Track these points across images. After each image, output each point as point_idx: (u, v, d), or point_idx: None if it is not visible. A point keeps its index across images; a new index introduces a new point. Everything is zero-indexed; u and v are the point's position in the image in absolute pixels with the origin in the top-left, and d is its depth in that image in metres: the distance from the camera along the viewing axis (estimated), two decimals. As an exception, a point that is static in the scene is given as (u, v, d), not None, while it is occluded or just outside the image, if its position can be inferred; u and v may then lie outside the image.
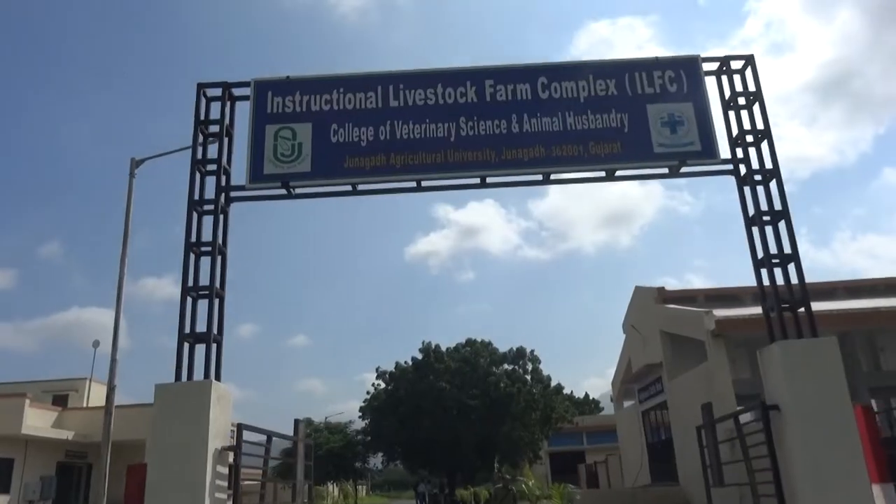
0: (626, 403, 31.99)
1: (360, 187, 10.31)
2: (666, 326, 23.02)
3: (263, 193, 10.21)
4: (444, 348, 44.57)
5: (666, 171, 10.56)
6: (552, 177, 10.56)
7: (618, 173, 10.43)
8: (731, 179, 10.43)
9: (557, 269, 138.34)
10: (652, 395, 25.16)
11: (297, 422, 9.08)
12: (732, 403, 18.22)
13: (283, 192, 10.09)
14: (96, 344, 33.24)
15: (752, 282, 10.21)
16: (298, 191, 10.21)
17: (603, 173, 10.40)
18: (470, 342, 44.88)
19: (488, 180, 10.38)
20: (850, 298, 22.06)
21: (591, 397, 76.54)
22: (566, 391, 47.79)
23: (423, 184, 10.19)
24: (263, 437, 8.86)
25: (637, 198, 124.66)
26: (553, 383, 44.25)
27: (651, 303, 24.16)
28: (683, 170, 10.47)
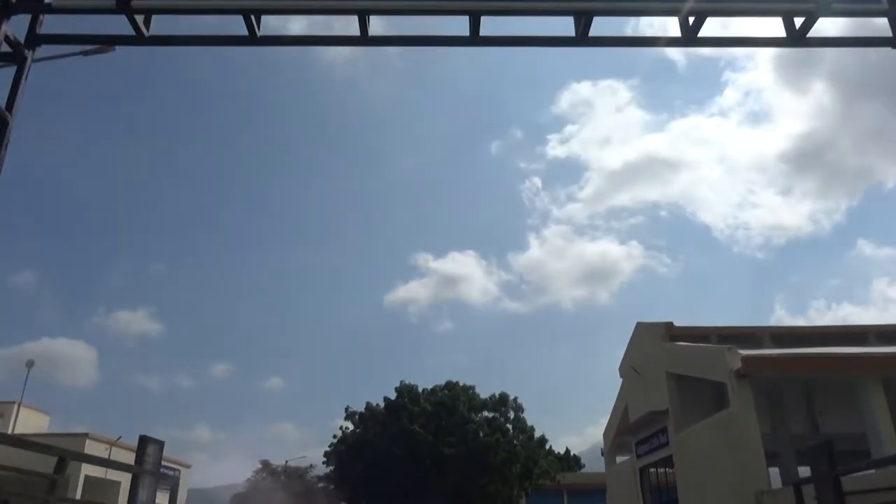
0: (620, 459, 28.67)
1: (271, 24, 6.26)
2: (674, 367, 20.00)
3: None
4: (421, 389, 41.04)
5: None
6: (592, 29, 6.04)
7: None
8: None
9: (536, 323, 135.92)
10: (653, 448, 21.95)
11: (143, 440, 5.75)
12: (761, 459, 15.15)
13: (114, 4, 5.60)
14: (30, 364, 29.55)
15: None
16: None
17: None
18: (449, 385, 41.34)
19: (482, 33, 6.03)
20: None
21: (571, 453, 72.39)
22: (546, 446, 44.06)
23: (372, 26, 5.96)
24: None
25: (617, 256, 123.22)
26: (536, 435, 40.63)
27: (656, 341, 21.20)
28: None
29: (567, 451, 71.24)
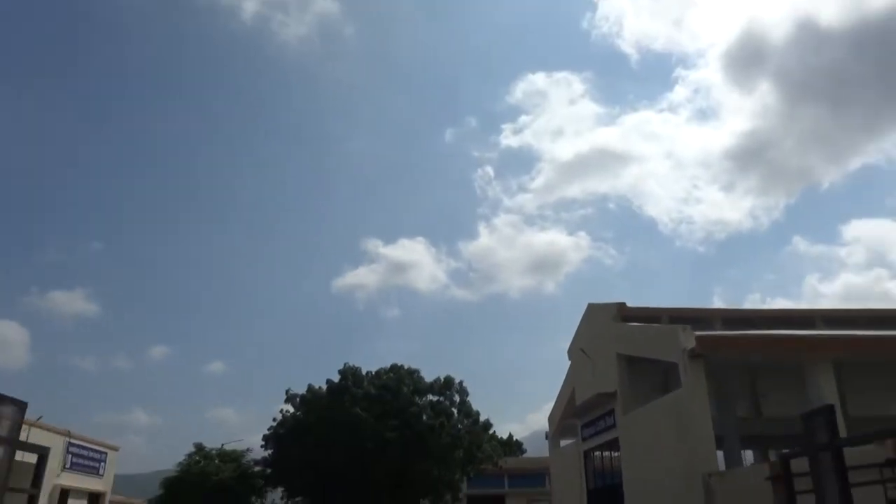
0: (565, 442, 28.36)
1: None
2: (625, 348, 19.59)
3: None
4: (365, 372, 40.06)
5: None
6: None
7: None
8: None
9: (483, 311, 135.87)
10: (599, 431, 21.58)
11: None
12: (710, 441, 14.79)
13: None
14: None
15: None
16: None
17: None
18: (394, 368, 40.48)
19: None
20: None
21: (514, 438, 72.57)
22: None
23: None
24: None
25: (565, 246, 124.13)
26: (481, 419, 40.19)
27: (608, 322, 20.77)
28: None
29: (510, 436, 71.42)
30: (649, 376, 20.21)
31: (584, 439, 23.29)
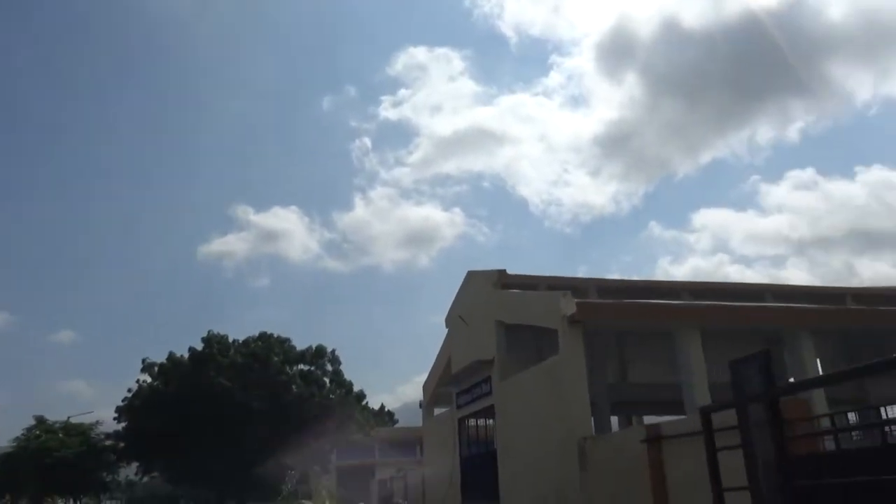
0: (439, 411, 28.18)
1: None
2: (505, 315, 19.42)
3: None
4: (232, 340, 38.05)
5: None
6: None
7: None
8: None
9: (356, 283, 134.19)
10: (475, 398, 21.41)
11: None
12: (586, 406, 14.84)
13: None
14: None
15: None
16: None
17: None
18: (263, 336, 38.77)
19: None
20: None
21: (386, 409, 72.62)
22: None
23: None
24: None
25: (439, 222, 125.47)
26: (355, 390, 39.44)
27: (488, 289, 20.51)
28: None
29: (382, 406, 71.31)
30: (524, 344, 20.25)
31: (458, 407, 23.09)
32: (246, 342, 38.15)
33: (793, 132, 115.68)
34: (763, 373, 4.17)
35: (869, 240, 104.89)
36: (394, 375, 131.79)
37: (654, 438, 11.59)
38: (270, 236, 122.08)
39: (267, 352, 37.14)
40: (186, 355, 36.78)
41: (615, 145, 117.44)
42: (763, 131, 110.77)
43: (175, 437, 33.42)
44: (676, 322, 15.75)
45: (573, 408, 14.83)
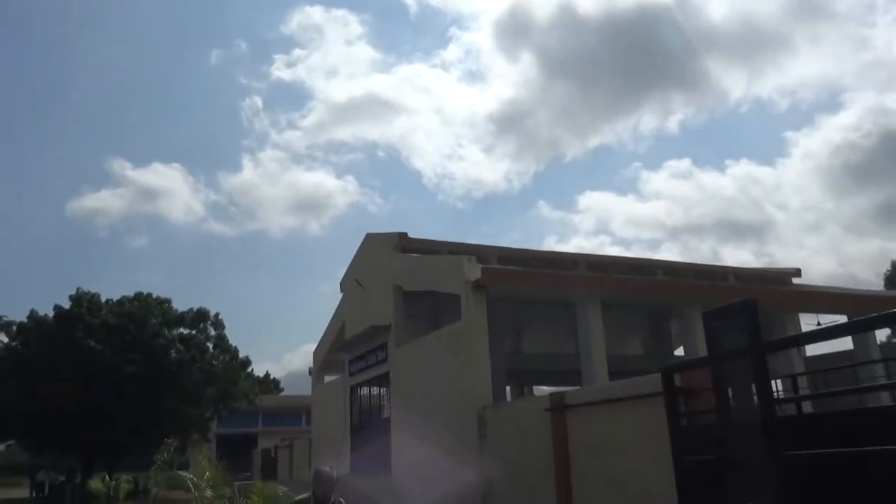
0: (329, 378, 27.25)
1: None
2: (405, 280, 18.70)
3: None
4: (105, 300, 35.13)
5: None
6: None
7: None
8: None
9: (243, 248, 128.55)
10: (369, 365, 20.67)
11: None
12: (487, 374, 14.42)
13: None
14: None
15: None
16: None
17: None
18: (140, 297, 36.05)
19: None
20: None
21: (271, 377, 70.63)
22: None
23: None
24: None
25: (332, 189, 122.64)
26: (240, 356, 37.58)
27: (387, 252, 19.68)
28: None
29: (267, 374, 69.26)
30: (420, 311, 19.71)
31: (351, 374, 22.27)
32: (120, 302, 35.34)
33: (673, 124, 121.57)
34: (749, 325, 3.63)
35: (734, 229, 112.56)
36: (280, 344, 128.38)
37: (559, 407, 11.30)
38: (150, 194, 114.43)
39: (144, 313, 34.55)
40: (51, 314, 33.62)
41: (509, 123, 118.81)
42: (646, 121, 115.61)
43: (35, 402, 30.53)
44: (580, 292, 15.61)
45: (474, 375, 14.40)
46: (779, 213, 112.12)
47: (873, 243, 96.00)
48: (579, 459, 10.80)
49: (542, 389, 25.88)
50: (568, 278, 15.54)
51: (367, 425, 21.10)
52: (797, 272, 25.41)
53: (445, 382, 15.52)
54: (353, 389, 22.27)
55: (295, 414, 53.35)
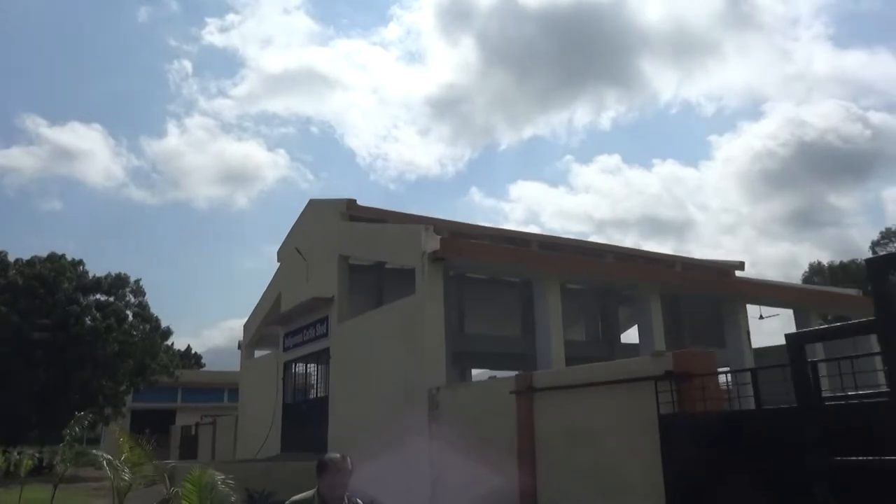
0: (261, 353, 25.73)
1: None
2: (352, 250, 17.49)
3: None
4: (14, 259, 32.27)
5: None
6: None
7: None
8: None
9: (165, 217, 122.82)
10: (307, 340, 19.39)
11: None
12: (441, 352, 13.47)
13: None
14: None
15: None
16: None
17: None
18: (52, 258, 33.28)
19: None
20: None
21: (193, 350, 67.76)
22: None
23: None
24: None
25: (261, 162, 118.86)
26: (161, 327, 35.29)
27: (333, 220, 18.40)
28: None
29: (188, 348, 66.42)
30: (362, 285, 18.63)
31: (286, 349, 20.91)
32: (30, 262, 32.52)
33: (605, 120, 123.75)
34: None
35: (656, 226, 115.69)
36: (201, 319, 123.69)
37: (525, 390, 10.45)
38: (66, 155, 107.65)
39: (56, 276, 31.95)
40: (-50, 273, 30.61)
41: (446, 107, 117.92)
42: (580, 115, 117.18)
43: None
44: (541, 270, 14.82)
45: (427, 354, 13.41)
46: (699, 213, 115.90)
47: (782, 247, 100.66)
48: (546, 446, 10.00)
49: (483, 373, 25.19)
50: (531, 255, 14.73)
51: (301, 404, 19.84)
52: (741, 265, 25.58)
53: (394, 360, 14.47)
54: (287, 365, 20.92)
55: (217, 390, 51.33)
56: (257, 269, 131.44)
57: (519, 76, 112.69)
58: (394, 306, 15.19)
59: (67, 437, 12.55)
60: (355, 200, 18.10)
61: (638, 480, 8.41)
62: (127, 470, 9.33)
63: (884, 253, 44.69)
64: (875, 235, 44.56)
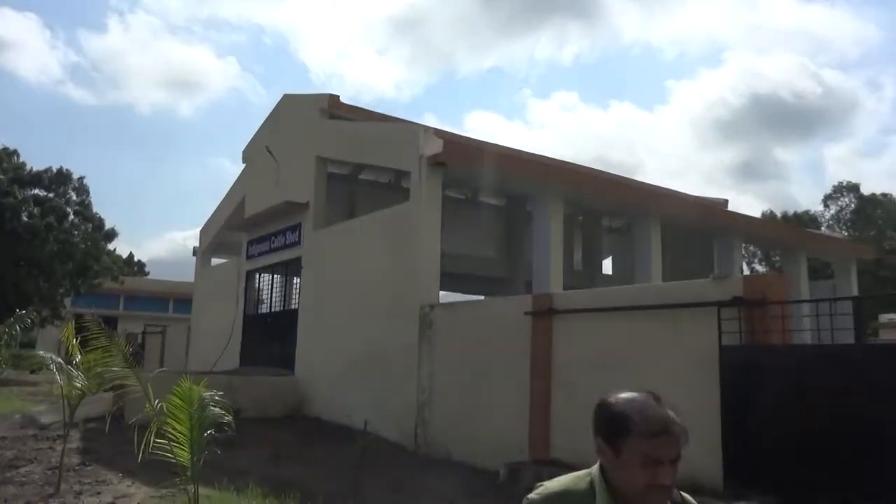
0: (219, 261, 24.01)
1: None
2: (335, 151, 15.75)
3: None
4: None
5: None
6: None
7: None
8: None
9: (104, 119, 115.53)
10: (276, 248, 17.78)
11: None
12: (435, 269, 12.16)
13: None
14: None
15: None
16: None
17: None
18: (-16, 146, 30.28)
19: None
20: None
21: (136, 258, 64.92)
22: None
23: None
24: None
25: (210, 69, 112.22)
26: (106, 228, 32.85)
27: (312, 117, 16.53)
28: None
29: (131, 255, 63.56)
30: (332, 193, 17.04)
31: (249, 257, 19.26)
32: (-41, 151, 29.52)
33: (567, 55, 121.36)
34: None
35: (606, 167, 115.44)
36: (142, 228, 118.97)
37: (544, 312, 9.25)
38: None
39: (-11, 166, 29.09)
40: None
41: (407, 27, 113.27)
42: (542, 47, 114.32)
43: None
44: (548, 184, 13.47)
45: (420, 268, 12.06)
46: (649, 157, 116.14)
47: (728, 196, 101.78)
48: (566, 378, 8.89)
49: (449, 296, 24.08)
50: (541, 167, 13.31)
51: (266, 316, 18.39)
52: (725, 203, 24.83)
53: (380, 274, 13.10)
54: (250, 275, 19.33)
55: (162, 300, 49.64)
56: (203, 180, 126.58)
57: (485, 1, 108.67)
58: (382, 215, 13.70)
59: (5, 338, 10.89)
60: (338, 97, 16.22)
61: (685, 417, 7.37)
62: (82, 375, 7.86)
63: (835, 206, 44.92)
64: (815, 192, 45.11)
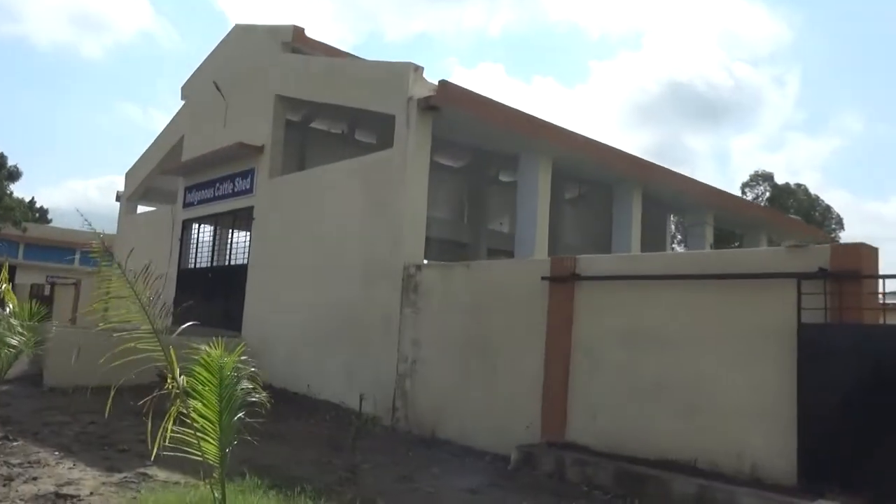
0: (145, 208, 21.75)
1: None
2: (298, 90, 14.04)
3: None
4: None
5: None
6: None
7: None
8: None
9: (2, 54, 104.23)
10: (220, 196, 15.96)
11: None
12: (420, 224, 10.92)
13: None
14: None
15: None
16: None
17: None
18: None
19: None
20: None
21: (38, 204, 59.68)
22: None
23: None
24: None
25: (119, 9, 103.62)
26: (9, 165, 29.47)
27: (273, 52, 14.71)
28: None
29: (33, 200, 58.37)
30: (304, 130, 15.41)
31: (187, 205, 17.31)
32: None
33: (495, 26, 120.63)
34: None
35: None
36: (39, 176, 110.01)
37: (566, 277, 8.19)
38: None
39: None
40: None
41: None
42: (472, 15, 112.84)
43: None
44: (539, 143, 12.38)
45: (403, 224, 10.75)
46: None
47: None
48: (590, 353, 7.90)
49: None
50: (537, 122, 12.15)
51: (206, 271, 16.58)
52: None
53: (354, 230, 11.70)
54: (187, 224, 17.41)
55: (67, 249, 45.85)
56: (109, 127, 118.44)
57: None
58: (359, 163, 12.23)
59: None
60: (304, 29, 14.46)
61: (743, 401, 6.54)
62: (21, 330, 6.30)
63: (752, 194, 46.06)
64: (722, 180, 46.27)
